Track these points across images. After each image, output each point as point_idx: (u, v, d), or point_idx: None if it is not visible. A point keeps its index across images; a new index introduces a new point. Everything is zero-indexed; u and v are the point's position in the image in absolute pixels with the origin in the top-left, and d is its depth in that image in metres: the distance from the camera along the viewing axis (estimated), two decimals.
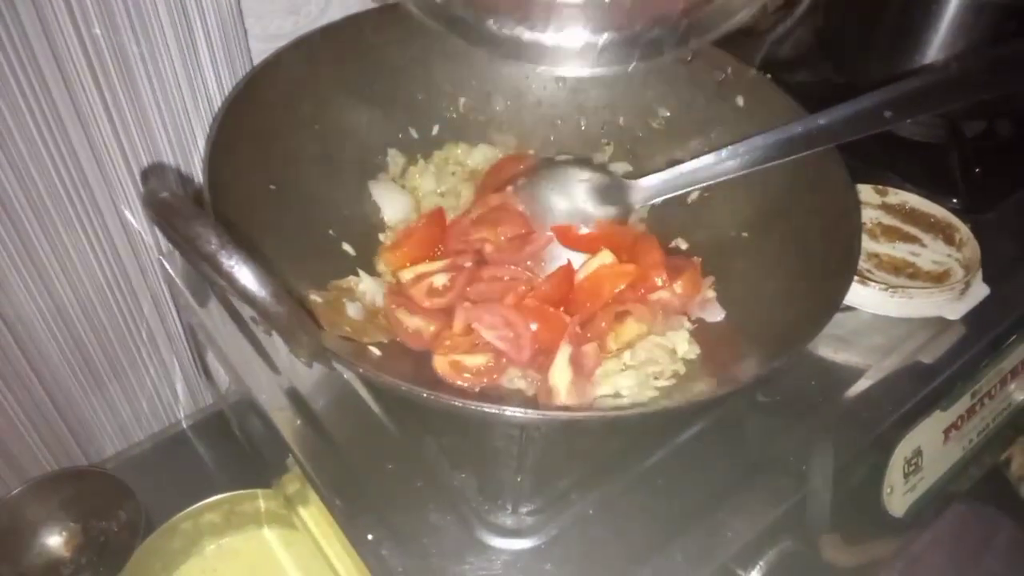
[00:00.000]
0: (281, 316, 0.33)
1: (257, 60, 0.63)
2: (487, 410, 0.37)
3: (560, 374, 0.48)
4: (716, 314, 0.56)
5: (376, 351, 0.49)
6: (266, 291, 0.32)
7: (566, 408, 0.46)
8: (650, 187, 0.60)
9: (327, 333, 0.43)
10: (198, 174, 0.68)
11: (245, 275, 0.32)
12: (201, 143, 0.66)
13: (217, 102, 0.65)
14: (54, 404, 0.72)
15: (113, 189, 0.64)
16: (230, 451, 0.78)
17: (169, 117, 0.64)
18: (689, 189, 0.59)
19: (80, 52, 0.57)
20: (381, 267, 0.60)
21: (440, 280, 0.54)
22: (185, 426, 0.83)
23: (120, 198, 0.65)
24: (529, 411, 0.38)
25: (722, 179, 0.57)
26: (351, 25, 0.63)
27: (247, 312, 0.60)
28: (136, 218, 0.67)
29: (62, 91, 0.58)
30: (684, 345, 0.53)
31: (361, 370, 0.40)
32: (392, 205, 0.64)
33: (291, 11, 0.64)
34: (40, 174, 0.60)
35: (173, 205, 0.32)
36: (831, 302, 0.47)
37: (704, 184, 0.59)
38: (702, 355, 0.54)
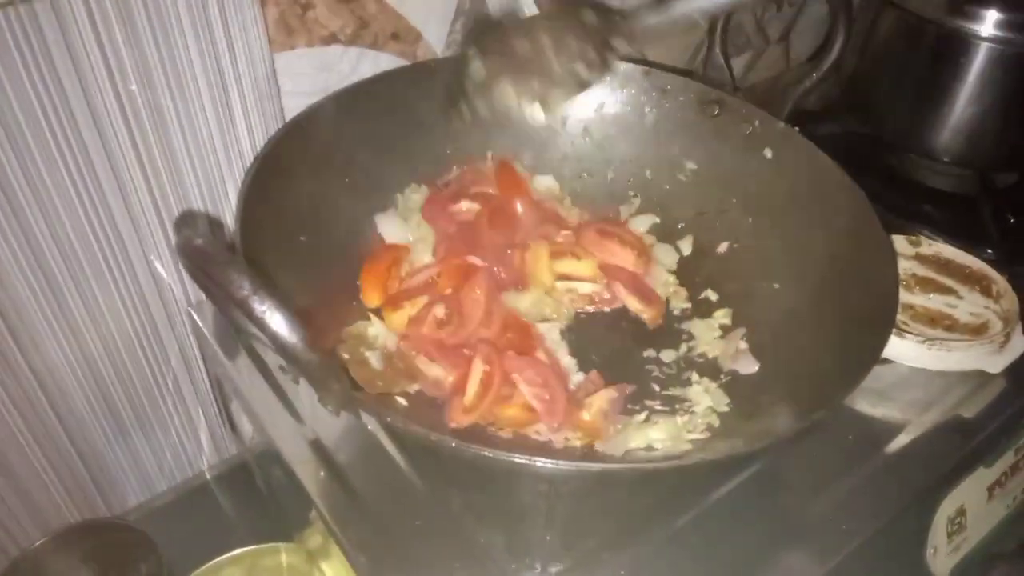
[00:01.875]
0: (312, 363, 0.33)
1: (289, 115, 0.64)
2: (517, 460, 0.36)
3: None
4: (750, 366, 0.55)
5: (403, 400, 0.49)
6: (297, 337, 0.32)
7: (598, 459, 0.45)
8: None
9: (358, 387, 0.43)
10: (229, 226, 0.68)
11: (277, 321, 0.32)
12: (233, 196, 0.67)
13: (249, 156, 0.66)
14: (79, 455, 0.72)
15: (144, 241, 0.65)
16: (253, 504, 0.76)
17: (202, 171, 0.65)
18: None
19: (116, 108, 0.58)
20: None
21: (439, 311, 0.54)
22: (209, 478, 0.82)
23: (151, 250, 0.66)
24: (561, 462, 0.37)
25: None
26: (381, 82, 0.65)
27: (275, 361, 0.61)
28: (166, 269, 0.68)
29: (97, 145, 0.59)
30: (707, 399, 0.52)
31: (389, 419, 0.39)
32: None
33: (323, 68, 0.65)
34: (73, 226, 0.61)
35: (207, 251, 0.32)
36: (869, 355, 0.46)
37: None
38: (736, 408, 0.53)
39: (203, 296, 0.70)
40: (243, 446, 0.77)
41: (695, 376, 0.57)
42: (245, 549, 0.68)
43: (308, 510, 0.57)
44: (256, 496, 0.76)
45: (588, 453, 0.48)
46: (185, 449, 0.79)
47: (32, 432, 0.67)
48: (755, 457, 0.54)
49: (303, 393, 0.61)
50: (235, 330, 0.64)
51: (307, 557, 0.68)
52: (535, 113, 0.52)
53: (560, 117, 0.70)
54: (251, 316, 0.31)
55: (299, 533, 0.67)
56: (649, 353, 0.60)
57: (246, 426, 0.74)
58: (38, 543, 0.69)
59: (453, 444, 0.37)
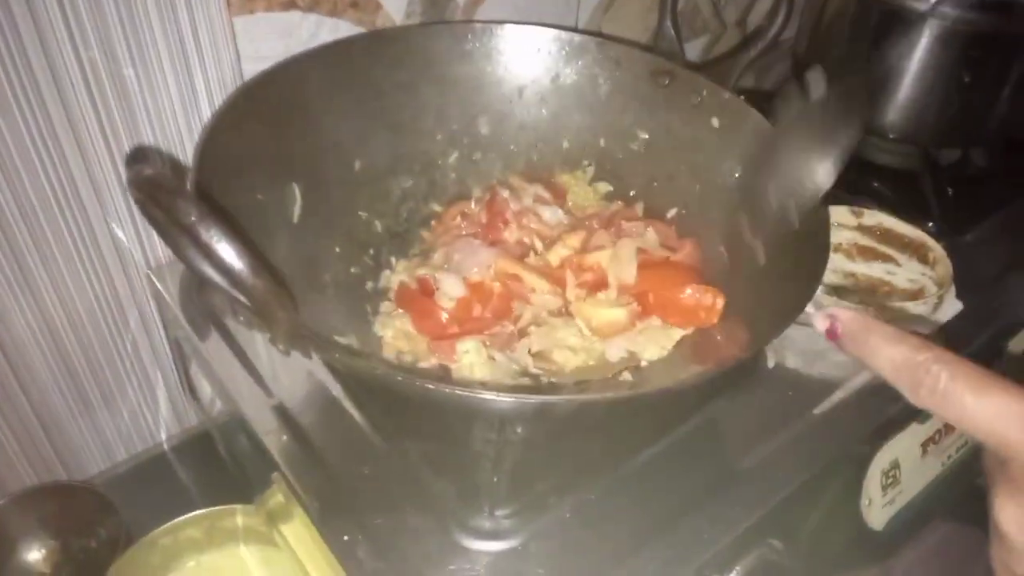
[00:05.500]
0: (257, 289, 0.34)
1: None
2: (460, 393, 0.38)
3: None
4: None
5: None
6: (243, 263, 0.33)
7: (539, 392, 0.47)
8: None
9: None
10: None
11: (223, 247, 0.33)
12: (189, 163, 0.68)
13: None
14: (39, 421, 0.72)
15: (105, 206, 0.66)
16: (212, 471, 0.77)
17: (162, 136, 0.66)
18: None
19: (79, 74, 0.59)
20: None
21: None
22: (168, 446, 0.82)
23: (112, 214, 0.67)
24: (501, 395, 0.39)
25: None
26: (340, 48, 0.66)
27: (228, 307, 0.61)
28: (126, 235, 0.69)
29: (60, 111, 0.60)
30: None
31: (337, 355, 0.41)
32: None
33: (283, 34, 0.66)
34: (35, 191, 0.61)
35: (157, 180, 0.33)
36: (797, 306, 0.48)
37: None
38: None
39: (163, 260, 0.71)
40: (202, 413, 0.78)
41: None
42: (204, 511, 0.69)
43: (269, 471, 0.58)
44: (215, 463, 0.77)
45: (532, 387, 0.50)
46: (145, 417, 0.80)
47: None
48: (699, 395, 0.58)
49: (263, 354, 0.62)
50: (189, 270, 0.65)
51: (266, 519, 0.69)
52: None
53: (517, 88, 0.71)
54: (198, 242, 0.32)
55: (259, 495, 0.68)
56: None
57: (206, 391, 0.75)
58: None
59: (399, 378, 0.39)
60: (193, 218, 0.32)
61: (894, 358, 0.34)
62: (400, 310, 0.61)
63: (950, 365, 0.32)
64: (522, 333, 0.58)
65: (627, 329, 0.58)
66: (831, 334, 0.37)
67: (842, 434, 0.58)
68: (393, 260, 0.66)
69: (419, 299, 0.60)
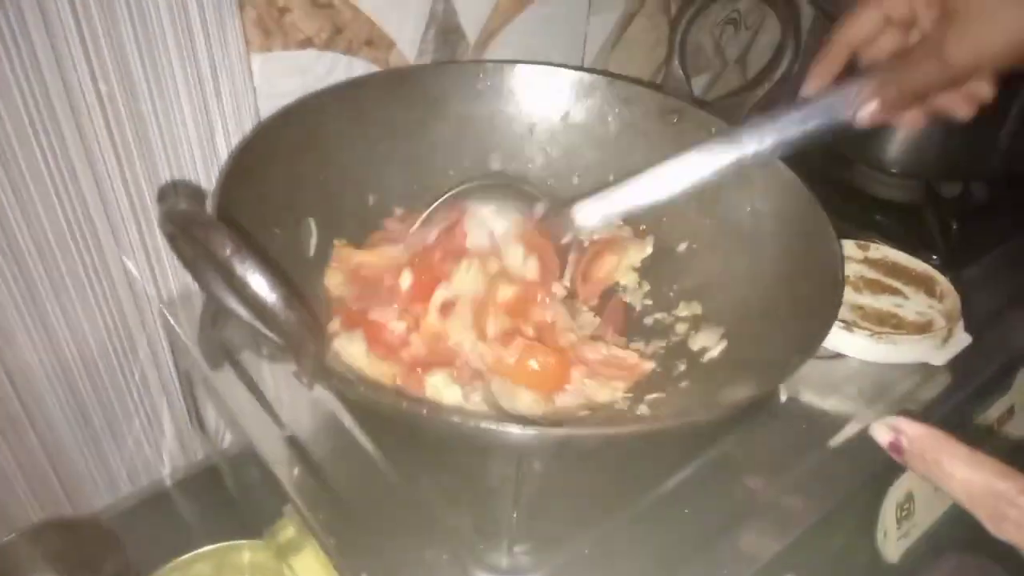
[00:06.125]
0: (290, 322, 0.34)
1: (264, 116, 0.66)
2: (484, 426, 0.38)
3: None
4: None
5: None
6: (276, 295, 0.33)
7: (562, 424, 0.47)
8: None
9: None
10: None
11: (257, 280, 0.33)
12: (209, 199, 0.69)
13: (225, 156, 0.67)
14: (46, 453, 0.72)
15: (119, 240, 0.66)
16: (220, 505, 0.77)
17: (179, 171, 0.66)
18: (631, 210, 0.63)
19: (97, 108, 0.60)
20: None
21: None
22: (174, 480, 0.82)
23: (126, 249, 0.67)
24: (527, 428, 0.39)
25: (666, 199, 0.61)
26: (356, 87, 0.67)
27: (249, 341, 0.62)
28: (139, 269, 0.69)
29: (77, 144, 0.60)
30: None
31: (363, 389, 0.41)
32: None
33: (300, 72, 0.67)
34: (51, 223, 0.62)
35: (191, 215, 0.34)
36: (815, 338, 0.48)
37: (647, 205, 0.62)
38: (694, 386, 0.55)
39: (175, 295, 0.71)
40: (211, 447, 0.78)
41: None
42: (214, 546, 0.68)
43: (280, 503, 0.58)
44: (223, 498, 0.76)
45: (551, 420, 0.50)
46: (151, 449, 0.79)
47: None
48: (713, 429, 0.57)
49: (274, 386, 0.62)
50: (211, 301, 0.65)
51: (276, 553, 0.68)
52: None
53: (528, 125, 0.73)
54: (232, 276, 0.33)
55: (269, 528, 0.67)
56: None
57: (214, 428, 0.75)
58: (2, 541, 0.69)
59: (424, 412, 0.39)
60: (228, 251, 0.32)
61: (971, 485, 0.32)
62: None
63: None
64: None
65: (561, 387, 0.58)
66: (895, 449, 0.34)
67: (856, 467, 0.58)
68: None
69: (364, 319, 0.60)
